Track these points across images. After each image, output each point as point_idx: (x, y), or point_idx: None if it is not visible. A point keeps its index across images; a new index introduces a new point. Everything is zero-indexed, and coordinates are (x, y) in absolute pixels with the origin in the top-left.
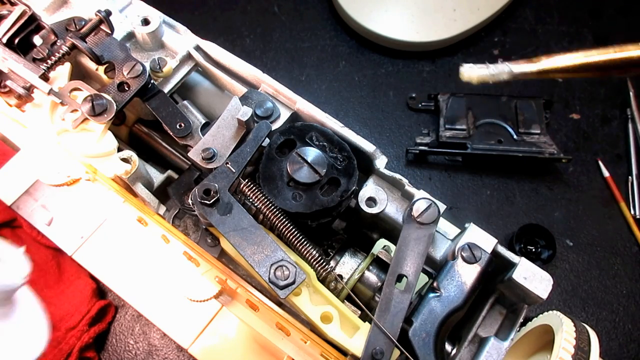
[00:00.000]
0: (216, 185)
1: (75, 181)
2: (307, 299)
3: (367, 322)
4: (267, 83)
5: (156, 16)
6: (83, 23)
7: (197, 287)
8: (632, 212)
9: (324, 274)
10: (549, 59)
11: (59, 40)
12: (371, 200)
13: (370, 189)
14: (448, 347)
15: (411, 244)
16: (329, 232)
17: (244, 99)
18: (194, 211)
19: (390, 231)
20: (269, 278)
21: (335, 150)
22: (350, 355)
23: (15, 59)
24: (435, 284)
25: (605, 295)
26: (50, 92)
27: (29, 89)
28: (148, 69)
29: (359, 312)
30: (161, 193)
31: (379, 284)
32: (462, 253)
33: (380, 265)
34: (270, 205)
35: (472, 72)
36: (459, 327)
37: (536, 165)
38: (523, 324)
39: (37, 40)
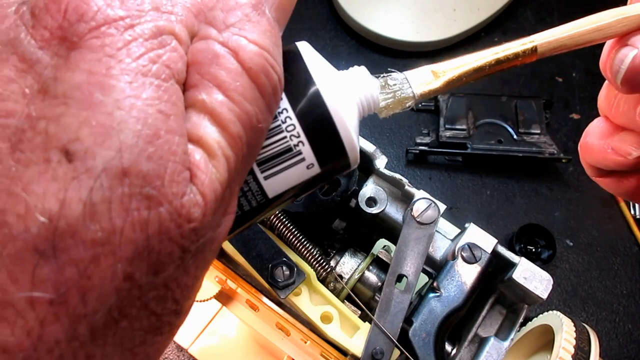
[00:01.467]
0: None
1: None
2: (307, 299)
3: (367, 322)
4: None
5: None
6: None
7: None
8: (632, 212)
9: (324, 274)
10: (450, 70)
11: None
12: (371, 200)
13: (370, 189)
14: (448, 347)
15: (411, 244)
16: (329, 232)
17: None
18: None
19: (390, 231)
20: (268, 278)
21: None
22: (350, 355)
23: None
24: (435, 284)
25: (605, 295)
26: None
27: None
28: None
29: (359, 312)
30: None
31: (379, 284)
32: (462, 253)
33: (380, 265)
34: None
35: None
36: (459, 327)
37: (536, 165)
38: (523, 324)
39: None
